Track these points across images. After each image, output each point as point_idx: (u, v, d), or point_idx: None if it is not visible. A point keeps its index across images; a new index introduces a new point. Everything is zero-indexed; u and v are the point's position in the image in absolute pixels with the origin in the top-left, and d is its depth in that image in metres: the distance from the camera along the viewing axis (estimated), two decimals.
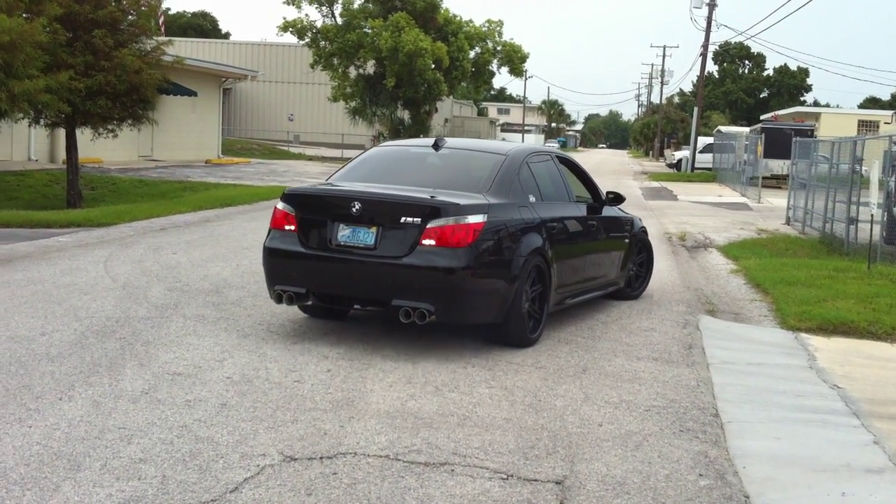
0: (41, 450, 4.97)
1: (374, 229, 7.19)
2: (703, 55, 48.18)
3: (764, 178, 34.55)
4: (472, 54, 49.61)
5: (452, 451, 5.23)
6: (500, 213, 7.43)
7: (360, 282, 7.27)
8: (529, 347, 7.76)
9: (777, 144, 35.48)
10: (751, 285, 11.88)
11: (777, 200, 30.15)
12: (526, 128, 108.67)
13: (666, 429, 5.89)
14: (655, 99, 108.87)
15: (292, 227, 7.51)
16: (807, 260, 14.29)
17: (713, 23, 45.03)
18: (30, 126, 19.00)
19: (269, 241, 7.69)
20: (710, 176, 44.87)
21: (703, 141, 55.41)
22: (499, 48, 50.53)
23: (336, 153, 51.87)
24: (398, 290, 7.03)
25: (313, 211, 7.57)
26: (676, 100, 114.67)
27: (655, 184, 40.87)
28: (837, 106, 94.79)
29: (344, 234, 7.30)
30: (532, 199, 8.13)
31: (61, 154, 29.33)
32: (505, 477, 4.90)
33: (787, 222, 22.60)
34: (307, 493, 4.58)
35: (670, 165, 58.46)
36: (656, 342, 8.41)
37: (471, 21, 50.09)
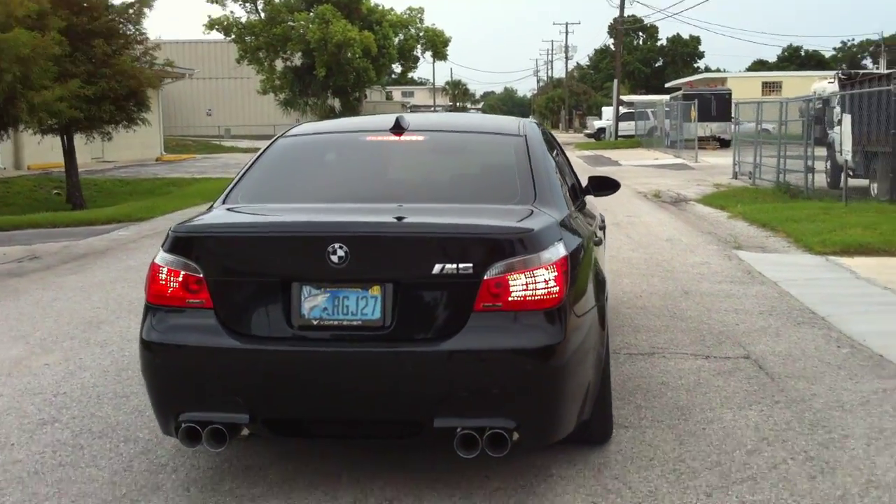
0: None
1: (376, 291, 3.89)
2: (618, 30, 50.57)
3: (689, 140, 36.98)
4: (396, 41, 50.97)
5: (651, 347, 6.82)
6: (568, 236, 4.25)
7: (364, 393, 3.91)
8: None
9: (701, 109, 37.88)
10: (756, 226, 13.78)
11: (712, 159, 32.53)
12: (434, 109, 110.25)
13: (785, 324, 7.58)
14: (555, 74, 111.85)
15: (201, 301, 3.98)
16: (786, 203, 16.29)
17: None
18: (34, 134, 19.67)
19: (151, 328, 4.08)
20: (634, 142, 47.26)
21: (610, 111, 58.14)
22: (421, 34, 52.00)
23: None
24: (443, 402, 3.83)
25: (240, 266, 4.09)
26: (576, 74, 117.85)
27: (588, 152, 43.03)
28: (724, 70, 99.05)
29: (317, 303, 3.92)
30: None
31: (25, 160, 29.90)
32: (706, 357, 6.53)
33: (735, 177, 24.74)
34: None
35: (589, 135, 60.92)
36: (720, 270, 10.15)
37: (392, 9, 51.43)
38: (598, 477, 4.33)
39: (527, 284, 3.85)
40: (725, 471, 4.42)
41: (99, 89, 19.16)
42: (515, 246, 3.88)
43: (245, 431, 3.99)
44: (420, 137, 5.15)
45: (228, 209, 4.57)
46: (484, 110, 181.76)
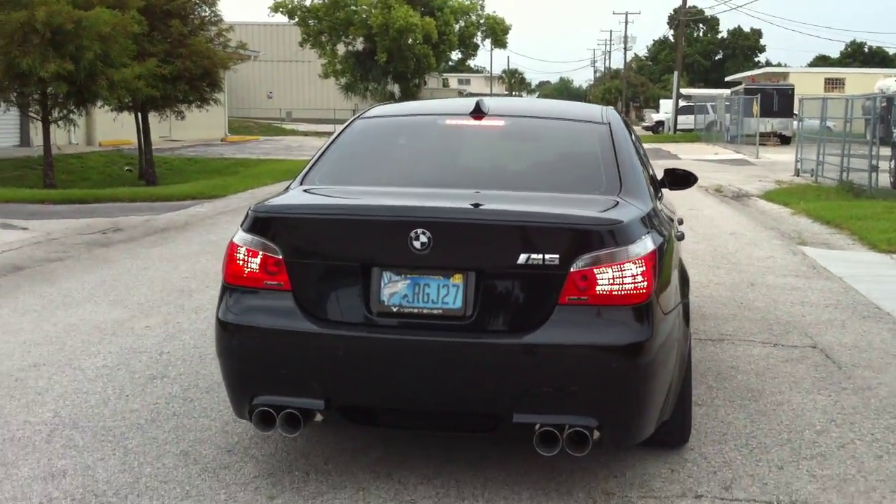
0: None
1: (458, 279, 3.82)
2: (680, 20, 50.32)
3: (749, 135, 36.81)
4: (456, 28, 51.25)
5: (720, 333, 7.08)
6: (654, 230, 4.15)
7: (441, 384, 3.86)
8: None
9: (763, 104, 37.64)
10: (820, 222, 13.89)
11: (773, 156, 32.38)
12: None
13: (851, 317, 7.78)
14: (613, 65, 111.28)
15: (279, 283, 3.95)
16: (850, 201, 16.33)
17: None
18: (112, 111, 20.33)
19: (228, 309, 4.06)
20: (693, 136, 47.01)
21: (668, 104, 57.85)
22: (482, 21, 52.21)
23: (328, 128, 53.22)
24: (522, 397, 3.76)
25: (320, 248, 4.03)
26: (634, 65, 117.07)
27: (646, 145, 42.78)
28: (785, 65, 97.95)
29: (397, 290, 3.86)
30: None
31: (97, 137, 30.75)
32: (773, 344, 6.77)
33: (797, 174, 24.65)
34: None
35: (647, 128, 60.67)
36: (785, 265, 10.34)
37: None
38: (674, 448, 4.61)
39: (614, 278, 3.71)
40: (795, 447, 4.69)
41: (175, 68, 19.76)
42: (605, 238, 3.74)
43: (318, 417, 3.93)
44: (500, 122, 5.03)
45: (306, 190, 4.46)
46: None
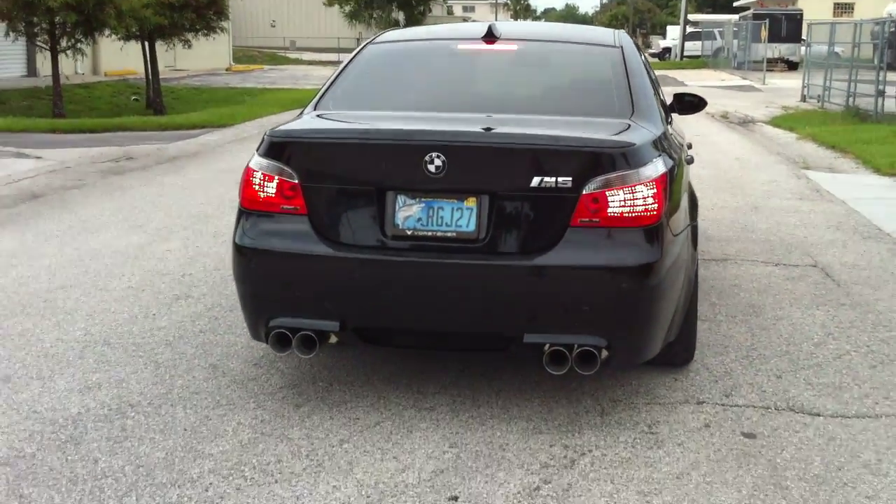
0: None
1: (472, 203, 3.87)
2: None
3: (757, 61, 36.56)
4: None
5: (723, 254, 7.27)
6: (665, 153, 4.17)
7: (454, 305, 3.93)
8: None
9: (771, 30, 37.28)
10: (825, 147, 13.99)
11: (780, 82, 32.23)
12: None
13: (852, 237, 7.96)
14: None
15: (295, 207, 4.01)
16: (856, 126, 16.40)
17: None
18: (119, 40, 20.30)
19: (244, 233, 4.15)
20: (700, 63, 46.70)
21: (675, 30, 57.28)
22: None
23: (333, 57, 52.88)
24: (534, 318, 3.88)
25: (336, 172, 4.08)
26: None
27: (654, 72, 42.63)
28: None
29: (411, 213, 3.91)
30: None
31: (102, 66, 30.68)
32: (775, 264, 6.97)
33: (803, 100, 24.59)
34: None
35: (654, 54, 60.16)
36: (789, 188, 10.49)
37: None
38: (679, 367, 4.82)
39: (625, 200, 3.76)
40: (794, 358, 4.92)
41: None
42: (617, 160, 3.79)
43: (333, 339, 4.02)
44: (513, 47, 5.05)
45: (319, 115, 4.50)
46: None
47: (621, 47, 4.97)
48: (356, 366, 4.69)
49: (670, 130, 4.78)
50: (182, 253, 7.13)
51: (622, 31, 5.49)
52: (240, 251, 4.13)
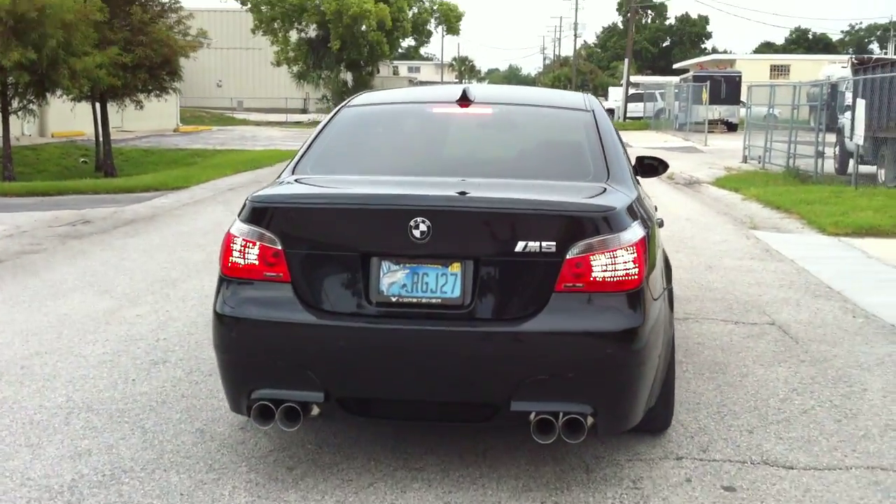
0: None
1: (456, 268, 3.88)
2: (632, 7, 51.07)
3: (698, 123, 37.58)
4: (410, 14, 51.44)
5: (684, 313, 7.51)
6: (641, 217, 4.21)
7: (442, 373, 3.90)
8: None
9: (711, 92, 38.39)
10: (770, 207, 14.45)
11: (721, 143, 33.12)
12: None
13: (804, 296, 8.26)
14: (562, 52, 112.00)
15: (278, 274, 3.96)
16: (797, 186, 16.96)
17: None
18: (71, 101, 20.31)
19: (225, 301, 4.06)
20: (643, 124, 47.73)
21: (617, 91, 58.60)
22: (435, 7, 52.47)
23: (280, 117, 53.16)
24: (520, 385, 3.82)
25: (319, 238, 4.04)
26: (583, 52, 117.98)
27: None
28: (729, 52, 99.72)
29: (396, 279, 3.90)
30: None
31: (50, 127, 30.52)
32: (735, 322, 7.22)
33: (745, 160, 25.32)
34: None
35: None
36: (739, 248, 10.84)
37: None
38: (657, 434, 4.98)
39: (608, 265, 3.78)
40: (762, 414, 5.12)
41: (135, 57, 19.83)
42: (599, 225, 3.81)
43: (315, 411, 3.95)
44: (488, 110, 5.12)
45: (298, 180, 4.45)
46: None
47: (593, 111, 5.03)
48: (342, 428, 4.78)
49: (642, 194, 4.86)
50: (153, 318, 7.17)
51: (590, 94, 5.61)
52: (221, 320, 4.03)
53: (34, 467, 4.31)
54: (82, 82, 18.18)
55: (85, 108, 22.00)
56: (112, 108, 22.27)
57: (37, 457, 4.44)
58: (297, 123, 49.61)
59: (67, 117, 26.73)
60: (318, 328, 3.88)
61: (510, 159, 4.98)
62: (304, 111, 62.29)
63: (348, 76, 51.81)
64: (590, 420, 3.82)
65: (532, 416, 3.80)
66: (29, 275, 8.90)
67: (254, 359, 3.98)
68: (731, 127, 41.58)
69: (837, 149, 21.34)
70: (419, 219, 3.79)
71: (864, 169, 17.86)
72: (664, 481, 4.22)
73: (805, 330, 7.01)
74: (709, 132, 35.50)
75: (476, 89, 5.12)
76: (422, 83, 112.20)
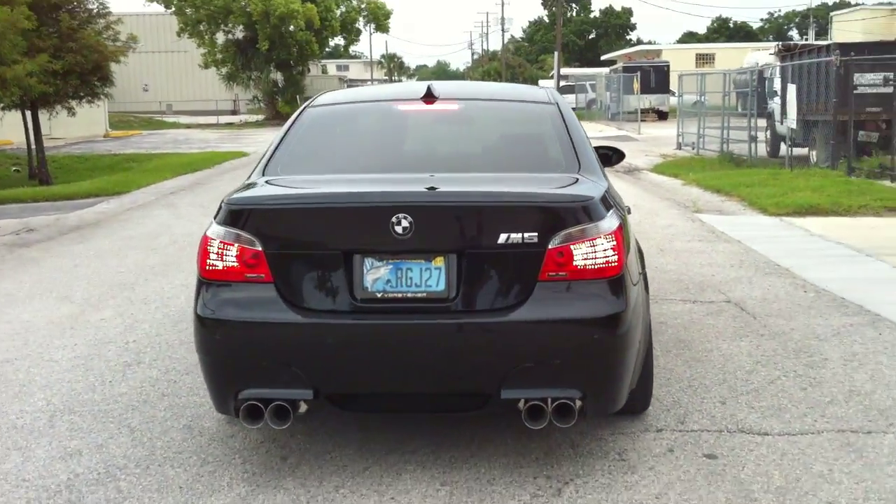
0: None
1: (440, 262, 3.94)
2: (559, 2, 51.65)
3: (630, 112, 38.22)
4: (338, 13, 51.26)
5: None
6: (615, 206, 4.34)
7: (430, 365, 3.98)
8: None
9: (641, 82, 39.05)
10: (711, 191, 14.82)
11: (654, 131, 33.73)
12: (372, 82, 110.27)
13: (755, 274, 8.54)
14: (490, 47, 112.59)
15: (260, 275, 3.98)
16: (734, 170, 17.39)
17: None
18: (2, 109, 19.90)
19: (205, 304, 4.06)
20: (577, 115, 48.19)
21: (546, 83, 59.22)
22: (363, 6, 52.37)
23: (211, 119, 52.62)
24: (509, 374, 3.91)
25: (300, 238, 4.07)
26: (511, 47, 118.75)
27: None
28: (654, 42, 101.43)
29: (380, 275, 3.94)
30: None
31: None
32: (693, 301, 7.44)
33: (679, 147, 25.85)
34: None
35: None
36: (687, 230, 11.12)
37: None
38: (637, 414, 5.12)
39: (588, 253, 3.87)
40: (731, 386, 5.32)
41: (66, 63, 19.48)
42: (579, 215, 3.90)
43: (303, 408, 3.95)
44: (455, 106, 5.18)
45: (269, 181, 4.42)
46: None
47: (556, 104, 5.11)
48: (329, 416, 4.84)
49: (611, 183, 4.86)
50: (118, 321, 7.14)
51: (551, 88, 5.75)
52: (203, 323, 4.01)
53: (27, 469, 4.31)
54: (13, 90, 17.80)
55: (12, 116, 21.52)
56: (42, 115, 21.79)
57: (28, 459, 4.43)
58: (230, 125, 49.20)
59: None
60: (305, 326, 3.90)
61: (481, 154, 5.03)
62: (234, 112, 61.75)
63: (278, 76, 51.44)
64: (578, 404, 3.90)
65: (522, 402, 3.88)
66: None
67: (239, 359, 3.99)
68: (662, 115, 42.37)
69: (768, 133, 21.95)
70: (401, 215, 3.82)
71: (796, 151, 18.38)
72: (648, 452, 4.38)
73: (760, 306, 7.25)
74: (641, 121, 36.11)
75: (440, 86, 5.15)
76: (351, 81, 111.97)
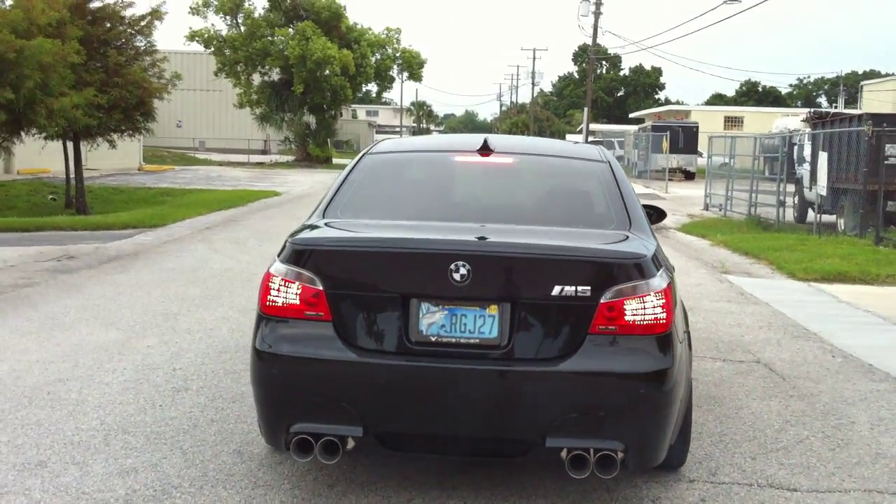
0: None
1: (494, 310, 4.10)
2: (591, 58, 52.14)
3: (657, 171, 38.51)
4: (373, 60, 52.02)
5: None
6: (664, 264, 4.48)
7: (478, 410, 4.08)
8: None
9: (670, 141, 39.39)
10: (739, 253, 14.99)
11: (681, 190, 33.94)
12: (401, 129, 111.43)
13: (784, 336, 8.69)
14: (519, 99, 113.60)
15: (319, 313, 4.16)
16: (762, 234, 17.56)
17: (598, 29, 48.94)
18: (46, 139, 20.40)
19: (264, 339, 4.24)
20: None
21: (574, 138, 59.76)
22: (398, 54, 53.15)
23: (242, 158, 53.30)
24: (555, 422, 4.02)
25: (359, 280, 4.23)
26: (539, 100, 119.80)
27: None
28: (682, 102, 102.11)
29: (435, 320, 4.11)
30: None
31: (15, 165, 30.43)
32: (723, 360, 7.60)
33: (706, 208, 26.05)
34: None
35: None
36: (715, 291, 11.28)
37: (371, 28, 52.53)
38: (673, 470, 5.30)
39: (638, 309, 3.99)
40: (761, 443, 5.48)
41: (111, 98, 19.97)
42: (631, 272, 4.04)
43: (351, 444, 4.06)
44: (510, 160, 5.34)
45: (328, 223, 4.60)
46: (445, 132, 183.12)
47: (609, 162, 5.27)
48: (374, 448, 5.03)
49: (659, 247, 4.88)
50: (164, 349, 7.37)
51: (602, 146, 5.90)
52: (260, 356, 4.17)
53: (86, 483, 4.52)
54: (59, 121, 18.27)
55: (51, 145, 22.00)
56: (92, 146, 22.23)
57: (86, 474, 4.64)
58: (260, 164, 49.80)
59: (32, 155, 26.71)
60: (359, 365, 4.04)
61: (534, 207, 5.12)
62: (264, 152, 62.51)
63: (311, 119, 52.15)
64: (620, 456, 3.99)
65: (565, 452, 3.98)
66: (29, 307, 9.04)
67: (294, 394, 4.12)
68: (689, 175, 42.62)
69: (796, 198, 22.15)
70: (460, 262, 3.98)
71: (824, 218, 18.53)
72: (681, 501, 4.54)
73: (789, 368, 7.41)
74: (668, 180, 36.38)
75: (495, 139, 5.32)
76: (380, 127, 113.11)
